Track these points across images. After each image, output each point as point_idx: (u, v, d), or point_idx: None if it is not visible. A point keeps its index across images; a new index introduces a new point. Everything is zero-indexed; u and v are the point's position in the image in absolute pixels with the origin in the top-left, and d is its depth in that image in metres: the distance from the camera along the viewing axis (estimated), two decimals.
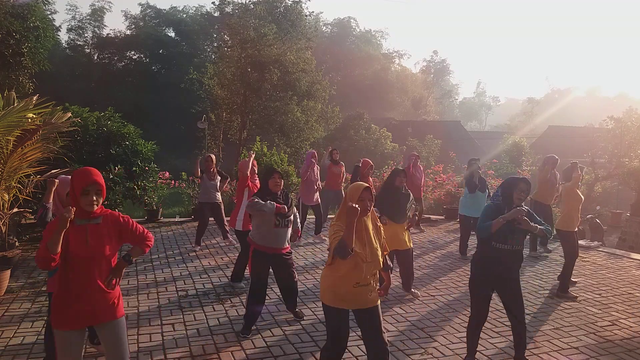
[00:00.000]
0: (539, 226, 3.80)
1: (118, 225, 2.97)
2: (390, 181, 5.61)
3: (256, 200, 4.52)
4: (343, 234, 3.11)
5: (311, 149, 9.26)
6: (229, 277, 6.32)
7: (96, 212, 2.90)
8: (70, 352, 2.88)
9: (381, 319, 3.40)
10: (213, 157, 8.20)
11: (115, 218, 2.98)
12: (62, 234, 2.70)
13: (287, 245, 4.72)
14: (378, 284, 3.41)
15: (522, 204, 3.83)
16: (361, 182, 3.41)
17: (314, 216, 8.98)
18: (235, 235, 7.20)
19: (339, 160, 9.16)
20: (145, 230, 3.10)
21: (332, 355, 3.44)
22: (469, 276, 6.61)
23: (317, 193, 8.55)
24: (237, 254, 7.41)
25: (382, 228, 3.50)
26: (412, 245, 5.71)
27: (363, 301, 3.30)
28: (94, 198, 2.86)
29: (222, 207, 8.14)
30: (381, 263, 3.37)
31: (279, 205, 4.52)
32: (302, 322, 4.93)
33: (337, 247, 3.12)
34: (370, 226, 3.35)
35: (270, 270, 4.77)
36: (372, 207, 3.35)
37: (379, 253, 3.34)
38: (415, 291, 5.84)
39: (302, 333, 4.67)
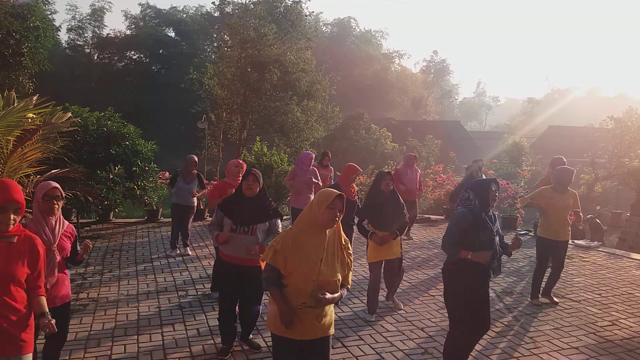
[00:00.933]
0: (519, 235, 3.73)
1: (33, 251, 2.64)
2: (375, 185, 5.14)
3: (211, 226, 4.14)
4: (275, 292, 2.80)
5: (305, 151, 8.65)
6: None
7: (11, 231, 2.59)
8: None
9: (328, 349, 2.97)
10: (195, 158, 7.65)
11: (33, 242, 2.67)
12: None
13: (252, 258, 3.95)
14: (332, 313, 2.98)
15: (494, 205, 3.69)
16: (333, 190, 2.92)
17: None
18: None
19: (328, 165, 8.68)
20: (42, 277, 2.71)
21: None
22: None
23: (311, 196, 7.49)
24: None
25: (348, 243, 3.02)
26: (402, 254, 5.32)
27: (309, 328, 2.83)
28: (12, 217, 2.56)
29: (194, 211, 7.68)
30: (339, 282, 2.91)
31: (220, 234, 3.99)
32: None
33: (264, 279, 2.87)
34: (335, 240, 2.92)
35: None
36: (339, 221, 2.90)
37: (337, 274, 2.89)
38: (398, 302, 5.45)
39: None
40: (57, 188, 3.30)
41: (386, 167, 14.91)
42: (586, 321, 5.16)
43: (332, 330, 2.97)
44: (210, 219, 7.92)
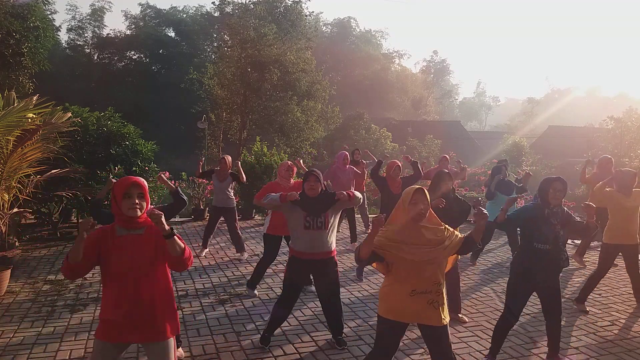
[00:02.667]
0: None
1: (159, 238, 2.72)
2: (435, 186, 4.99)
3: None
4: (362, 244, 3.01)
5: (342, 151, 8.64)
6: (229, 277, 6.34)
7: (139, 221, 2.71)
8: None
9: (449, 341, 3.14)
10: (228, 158, 7.64)
11: (158, 230, 2.75)
12: (82, 243, 2.54)
13: (328, 250, 4.19)
14: (444, 301, 3.13)
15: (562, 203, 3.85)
16: (412, 186, 3.16)
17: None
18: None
19: (360, 160, 8.74)
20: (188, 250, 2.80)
21: None
22: (468, 276, 6.66)
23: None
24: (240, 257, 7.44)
25: (445, 225, 3.20)
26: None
27: (421, 313, 3.06)
28: (137, 201, 2.66)
29: (236, 212, 7.60)
30: (446, 263, 3.18)
31: (284, 194, 4.10)
32: (302, 322, 4.93)
33: (358, 253, 3.04)
34: (430, 227, 3.11)
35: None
36: (428, 210, 3.09)
37: (439, 253, 3.06)
38: (463, 317, 5.21)
39: (302, 333, 4.67)
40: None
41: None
42: (586, 321, 5.17)
43: (446, 320, 3.11)
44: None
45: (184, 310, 5.22)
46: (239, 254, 7.43)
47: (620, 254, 5.52)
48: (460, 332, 4.80)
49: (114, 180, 3.65)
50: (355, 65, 47.19)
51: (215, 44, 40.38)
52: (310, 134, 25.02)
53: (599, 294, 6.06)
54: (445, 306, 3.12)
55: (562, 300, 5.75)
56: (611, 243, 5.42)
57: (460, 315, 5.12)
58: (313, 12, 62.63)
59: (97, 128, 9.29)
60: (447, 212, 4.51)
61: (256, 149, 12.28)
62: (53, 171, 7.11)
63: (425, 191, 3.08)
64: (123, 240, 2.68)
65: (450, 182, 4.79)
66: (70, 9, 54.47)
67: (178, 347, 4.12)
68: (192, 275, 6.48)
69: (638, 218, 5.40)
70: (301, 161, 7.22)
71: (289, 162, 5.77)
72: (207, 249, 7.70)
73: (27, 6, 18.53)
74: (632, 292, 6.16)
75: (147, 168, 9.46)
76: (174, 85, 34.52)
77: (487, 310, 5.41)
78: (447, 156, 9.37)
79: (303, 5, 39.17)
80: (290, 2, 38.68)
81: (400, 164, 6.66)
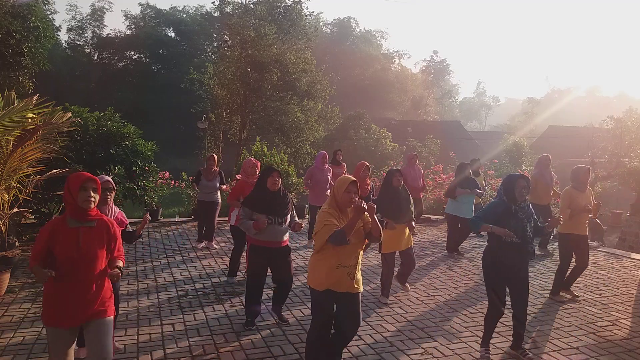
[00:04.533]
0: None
1: (110, 233, 3.03)
2: (387, 182, 5.64)
3: (242, 220, 4.61)
4: (345, 227, 3.43)
5: (321, 150, 9.15)
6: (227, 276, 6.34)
7: (91, 214, 2.93)
8: (59, 349, 2.94)
9: (358, 308, 3.64)
10: (215, 157, 8.27)
11: (108, 225, 3.04)
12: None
13: (285, 239, 4.73)
14: (359, 272, 3.66)
15: (526, 199, 4.07)
16: (348, 176, 3.67)
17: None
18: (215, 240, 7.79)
19: (340, 161, 9.11)
20: (121, 250, 3.18)
21: (319, 335, 3.68)
22: (468, 276, 6.66)
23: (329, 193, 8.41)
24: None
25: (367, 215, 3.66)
26: (412, 244, 5.86)
27: (342, 283, 3.55)
28: (92, 194, 2.89)
29: (219, 207, 8.17)
30: (364, 241, 3.66)
31: (256, 223, 4.49)
32: (302, 322, 4.93)
33: (335, 236, 3.42)
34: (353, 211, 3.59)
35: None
36: (357, 199, 3.58)
37: (361, 234, 3.60)
38: (407, 286, 5.97)
39: (302, 333, 4.67)
40: (109, 181, 3.95)
41: (386, 166, 14.89)
42: (586, 321, 5.17)
43: (361, 288, 3.66)
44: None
45: (184, 310, 5.22)
46: (203, 243, 8.10)
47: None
48: (460, 332, 4.80)
49: (148, 217, 4.31)
50: (355, 65, 47.16)
51: (215, 44, 40.40)
52: (310, 134, 24.99)
53: (599, 294, 6.06)
54: (359, 278, 3.66)
55: (562, 300, 5.78)
56: (566, 233, 5.82)
57: (406, 285, 5.96)
58: (313, 12, 62.62)
59: (97, 128, 9.28)
60: (399, 205, 5.44)
61: (256, 149, 12.28)
62: (53, 171, 7.10)
63: (357, 183, 3.60)
64: (74, 231, 2.89)
65: (401, 177, 5.56)
66: (70, 9, 54.34)
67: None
68: (192, 275, 6.48)
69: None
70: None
71: (253, 159, 6.33)
72: (204, 242, 8.15)
73: (27, 6, 18.51)
74: (632, 292, 6.18)
75: (147, 168, 9.47)
76: (174, 85, 34.49)
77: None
78: (416, 154, 9.83)
79: (303, 5, 39.15)
80: (290, 2, 38.66)
81: (368, 165, 7.03)
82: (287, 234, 4.78)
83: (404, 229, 5.60)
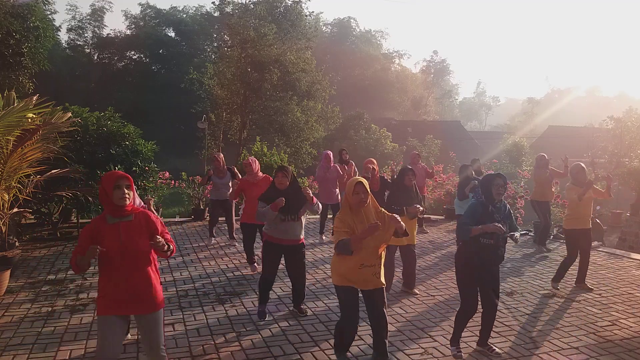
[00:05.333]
0: (515, 234, 4.15)
1: (149, 223, 3.14)
2: (399, 180, 5.78)
3: (260, 210, 4.78)
4: (352, 239, 3.54)
5: (325, 150, 9.35)
6: (228, 277, 6.35)
7: (127, 209, 3.05)
8: (108, 337, 3.02)
9: (384, 300, 3.79)
10: (220, 155, 8.41)
11: (147, 216, 3.16)
12: (90, 259, 2.94)
13: (300, 238, 4.90)
14: (382, 269, 3.79)
15: (502, 198, 4.09)
16: (355, 177, 3.82)
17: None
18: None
19: (348, 160, 9.22)
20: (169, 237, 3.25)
21: (345, 328, 3.83)
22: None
23: (337, 191, 8.61)
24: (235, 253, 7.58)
25: (383, 210, 3.83)
26: (416, 242, 5.98)
27: (369, 282, 3.70)
28: (126, 192, 3.02)
29: (233, 204, 8.31)
30: (386, 242, 3.78)
31: (274, 204, 4.66)
32: (302, 322, 4.93)
33: (339, 246, 3.57)
34: (372, 213, 3.74)
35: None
36: (369, 198, 3.72)
37: (381, 236, 3.67)
38: (416, 291, 5.94)
39: (302, 333, 4.67)
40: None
41: (386, 166, 14.89)
42: (586, 321, 5.16)
43: (384, 284, 3.81)
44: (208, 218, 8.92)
45: (184, 310, 5.22)
46: (230, 241, 8.31)
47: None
48: None
49: (150, 199, 4.67)
50: (355, 65, 47.18)
51: (215, 44, 40.42)
52: (310, 134, 25.01)
53: (599, 294, 6.06)
54: (382, 273, 3.79)
55: (562, 300, 5.78)
56: (571, 228, 6.17)
57: (414, 290, 5.91)
58: (313, 12, 62.60)
59: (97, 128, 9.27)
60: (410, 202, 5.54)
61: (256, 149, 12.30)
62: (53, 171, 7.10)
63: (364, 182, 3.70)
64: (115, 227, 3.03)
65: (413, 176, 5.71)
66: (70, 9, 54.40)
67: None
68: (192, 276, 6.48)
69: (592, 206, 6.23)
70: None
71: (251, 158, 6.52)
72: (214, 238, 8.51)
73: (27, 6, 18.51)
74: (632, 292, 6.18)
75: (147, 168, 9.46)
76: (174, 85, 34.50)
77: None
78: (418, 153, 10.07)
79: (303, 5, 39.19)
80: (290, 2, 38.69)
81: (375, 166, 7.11)
82: (303, 231, 4.94)
83: (413, 224, 5.73)
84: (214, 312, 5.16)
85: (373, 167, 6.95)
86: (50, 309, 5.20)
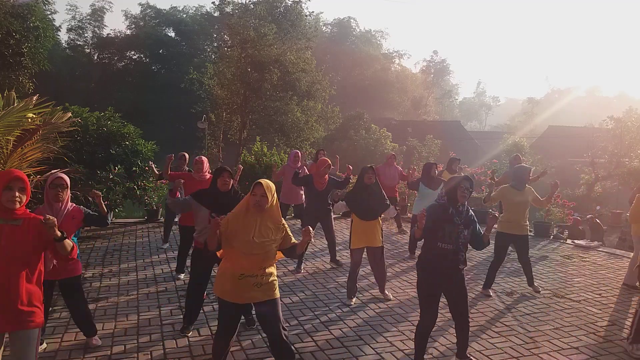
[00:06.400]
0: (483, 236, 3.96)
1: (38, 230, 2.78)
2: (359, 178, 5.59)
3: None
4: (207, 237, 3.39)
5: (294, 149, 9.20)
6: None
7: (17, 213, 2.77)
8: None
9: (277, 312, 3.51)
10: (186, 155, 7.92)
11: (37, 223, 2.79)
12: None
13: None
14: (269, 279, 3.49)
15: (466, 202, 3.86)
16: (259, 180, 3.50)
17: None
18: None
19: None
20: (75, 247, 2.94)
21: (221, 343, 3.59)
22: (468, 276, 6.65)
23: (302, 192, 8.19)
24: None
25: (285, 225, 3.57)
26: (383, 244, 5.66)
27: (250, 294, 3.43)
28: (17, 194, 2.73)
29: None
30: (272, 254, 3.51)
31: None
32: (302, 322, 4.93)
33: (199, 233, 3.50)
34: (268, 221, 3.45)
35: None
36: (272, 203, 3.44)
37: (271, 247, 3.45)
38: (388, 293, 5.74)
39: (302, 333, 4.67)
40: (61, 177, 3.92)
41: None
42: (586, 321, 5.16)
43: (276, 294, 3.53)
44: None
45: (183, 310, 5.21)
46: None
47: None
48: None
49: (97, 192, 4.16)
50: (355, 65, 47.18)
51: (215, 44, 40.44)
52: (310, 134, 25.01)
53: (599, 294, 6.06)
54: (272, 284, 3.50)
55: (562, 300, 5.78)
56: (505, 232, 5.92)
57: (385, 293, 5.73)
58: (313, 12, 62.63)
59: (97, 128, 9.28)
60: (368, 202, 5.40)
61: (256, 149, 12.30)
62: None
63: (265, 185, 3.41)
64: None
65: (372, 175, 5.49)
66: (70, 9, 54.48)
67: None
68: None
69: (527, 212, 5.96)
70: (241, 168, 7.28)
71: (203, 157, 6.33)
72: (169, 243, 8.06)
73: (27, 6, 18.53)
74: (631, 292, 6.18)
75: (147, 168, 9.46)
76: (174, 85, 34.54)
77: (487, 310, 5.41)
78: (394, 154, 9.86)
79: (303, 5, 39.20)
80: (290, 2, 38.69)
81: (330, 163, 6.95)
82: None
83: (374, 225, 5.49)
84: (214, 312, 5.16)
85: (328, 164, 6.82)
86: (50, 308, 5.19)
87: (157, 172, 7.42)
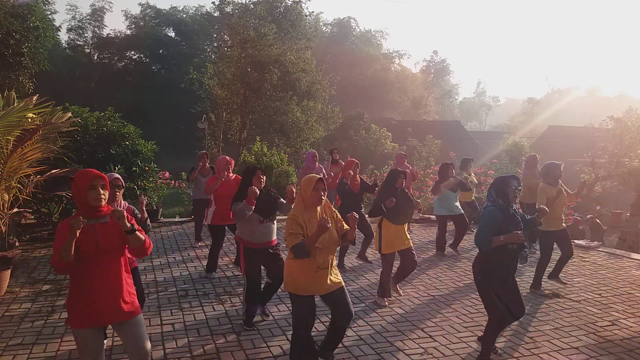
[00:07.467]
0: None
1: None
2: (389, 182, 5.58)
3: (236, 208, 4.58)
4: (307, 241, 3.45)
5: (311, 149, 9.31)
6: (228, 277, 6.36)
7: (103, 210, 2.92)
8: (89, 350, 2.91)
9: (347, 296, 3.72)
10: (207, 153, 8.35)
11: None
12: (74, 242, 2.71)
13: (275, 238, 4.81)
14: (334, 267, 3.73)
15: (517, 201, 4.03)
16: (314, 175, 3.70)
17: None
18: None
19: (338, 160, 9.18)
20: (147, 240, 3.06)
21: (303, 340, 3.70)
22: (468, 276, 6.65)
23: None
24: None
25: (335, 211, 3.80)
26: (412, 244, 5.75)
27: (327, 285, 3.60)
28: (101, 192, 2.88)
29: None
30: (339, 242, 3.68)
31: (247, 200, 4.50)
32: None
33: (296, 249, 3.47)
34: (326, 212, 3.68)
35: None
36: (325, 197, 3.65)
37: (335, 235, 3.63)
38: (399, 289, 5.81)
39: None
40: (118, 178, 4.09)
41: (386, 167, 14.89)
42: (586, 321, 5.16)
43: (342, 282, 3.73)
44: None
45: (184, 310, 5.22)
46: (202, 242, 8.20)
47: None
48: (460, 332, 4.80)
49: (143, 198, 4.48)
50: (355, 65, 47.15)
51: (215, 44, 40.43)
52: (310, 134, 25.00)
53: (599, 294, 6.06)
54: (337, 271, 3.74)
55: (562, 300, 5.78)
56: (548, 230, 5.91)
57: (397, 287, 5.79)
58: (313, 12, 62.56)
59: (97, 128, 9.28)
60: (403, 206, 5.43)
61: (256, 149, 12.30)
62: (53, 171, 7.09)
63: (324, 180, 3.62)
64: (90, 228, 2.86)
65: (404, 178, 5.55)
66: (70, 9, 54.43)
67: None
68: (192, 276, 6.48)
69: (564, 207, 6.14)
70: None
71: (227, 157, 6.39)
72: (202, 241, 8.24)
73: (27, 6, 18.52)
74: (632, 292, 6.19)
75: (147, 168, 9.46)
76: (174, 85, 34.52)
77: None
78: (404, 153, 9.86)
79: (303, 5, 39.17)
80: (290, 2, 38.67)
81: (358, 162, 7.00)
82: (276, 232, 4.85)
83: (403, 229, 5.57)
84: (214, 312, 5.16)
85: (356, 164, 6.87)
86: (50, 308, 5.20)
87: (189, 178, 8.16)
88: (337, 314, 3.72)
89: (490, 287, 3.98)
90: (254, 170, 4.69)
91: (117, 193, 4.04)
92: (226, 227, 6.41)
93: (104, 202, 2.89)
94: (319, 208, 3.65)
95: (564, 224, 6.10)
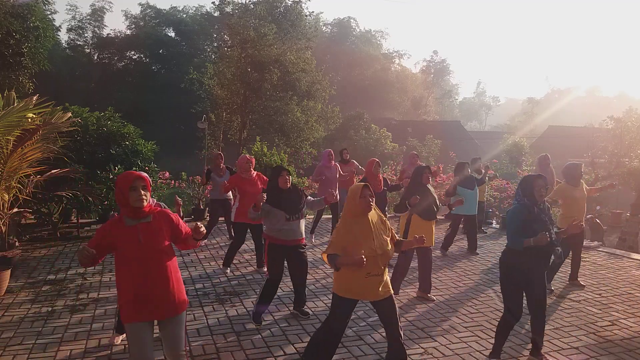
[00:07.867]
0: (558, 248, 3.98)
1: (169, 221, 3.07)
2: (416, 178, 5.62)
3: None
4: (341, 258, 3.39)
5: (326, 149, 9.33)
6: (229, 277, 6.36)
7: (145, 210, 2.96)
8: (140, 345, 2.96)
9: (396, 309, 3.61)
10: (221, 153, 8.35)
11: (166, 215, 3.08)
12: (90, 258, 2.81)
13: (302, 237, 4.87)
14: (386, 276, 3.61)
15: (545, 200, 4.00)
16: (359, 183, 3.65)
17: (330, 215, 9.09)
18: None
19: (349, 160, 9.20)
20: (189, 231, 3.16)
21: (323, 342, 3.68)
22: (468, 276, 6.66)
23: (337, 190, 8.38)
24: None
25: (385, 218, 3.72)
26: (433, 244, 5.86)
27: (375, 292, 3.52)
28: (142, 193, 2.92)
29: (232, 204, 8.23)
30: (390, 252, 3.60)
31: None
32: (302, 322, 4.93)
33: (328, 259, 3.48)
34: (376, 219, 3.60)
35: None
36: (374, 202, 3.58)
37: (388, 244, 3.57)
38: (432, 296, 5.73)
39: (302, 333, 4.67)
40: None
41: (386, 166, 14.89)
42: (586, 321, 5.16)
43: (392, 291, 3.66)
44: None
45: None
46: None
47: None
48: (460, 332, 4.80)
49: (178, 200, 4.51)
50: (355, 65, 47.13)
51: (215, 44, 40.43)
52: (310, 134, 25.01)
53: (599, 294, 6.06)
54: (388, 281, 3.63)
55: (562, 300, 5.78)
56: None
57: (429, 295, 5.71)
58: (313, 12, 62.59)
59: (97, 128, 9.28)
60: (430, 201, 5.48)
61: (256, 149, 12.29)
62: (53, 171, 7.10)
63: (370, 186, 3.59)
64: (133, 229, 2.93)
65: (430, 174, 5.64)
66: (70, 9, 54.35)
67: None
68: (192, 276, 6.48)
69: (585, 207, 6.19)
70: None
71: (247, 156, 6.47)
72: (206, 239, 8.36)
73: (27, 6, 18.52)
74: (631, 292, 6.19)
75: (147, 168, 9.45)
76: (174, 85, 34.49)
77: (487, 310, 5.41)
78: (416, 153, 9.96)
79: (303, 5, 39.16)
80: (290, 2, 38.66)
81: (379, 161, 7.05)
82: (303, 231, 4.91)
83: (431, 225, 5.61)
84: (214, 312, 5.16)
85: (377, 162, 6.91)
86: (50, 309, 5.20)
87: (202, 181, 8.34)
88: (385, 323, 3.68)
89: (511, 283, 4.03)
90: (279, 171, 4.83)
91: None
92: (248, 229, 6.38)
93: (145, 203, 2.94)
94: (370, 215, 3.56)
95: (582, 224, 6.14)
